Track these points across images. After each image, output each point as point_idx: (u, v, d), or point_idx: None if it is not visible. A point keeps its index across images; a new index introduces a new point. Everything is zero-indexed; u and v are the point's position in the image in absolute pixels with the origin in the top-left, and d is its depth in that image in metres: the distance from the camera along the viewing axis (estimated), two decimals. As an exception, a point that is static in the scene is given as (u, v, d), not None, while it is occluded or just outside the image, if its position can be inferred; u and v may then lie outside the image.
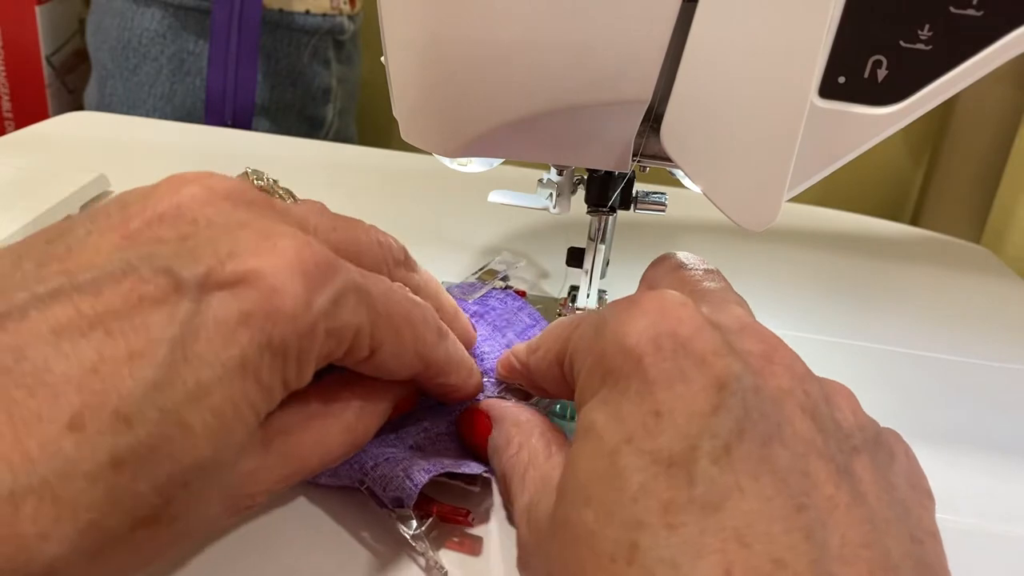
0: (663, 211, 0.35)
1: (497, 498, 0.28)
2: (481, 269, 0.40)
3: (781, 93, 0.25)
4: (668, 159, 0.28)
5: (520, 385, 0.30)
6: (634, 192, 0.35)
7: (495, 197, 0.37)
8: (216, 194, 0.22)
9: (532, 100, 0.26)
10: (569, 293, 0.39)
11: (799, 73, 0.25)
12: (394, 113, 0.30)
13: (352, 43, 0.91)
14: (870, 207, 0.82)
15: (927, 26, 0.25)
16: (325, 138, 0.90)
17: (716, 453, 0.19)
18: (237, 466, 0.21)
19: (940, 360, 0.42)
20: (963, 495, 0.31)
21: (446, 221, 0.51)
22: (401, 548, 0.26)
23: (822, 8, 0.24)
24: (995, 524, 0.22)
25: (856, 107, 0.27)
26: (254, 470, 0.22)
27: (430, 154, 0.30)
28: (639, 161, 0.30)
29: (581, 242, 0.36)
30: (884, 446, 0.22)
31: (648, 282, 0.29)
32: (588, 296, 0.37)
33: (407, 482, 0.25)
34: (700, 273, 0.27)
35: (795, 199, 0.29)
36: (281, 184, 0.27)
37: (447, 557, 0.26)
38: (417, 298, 0.27)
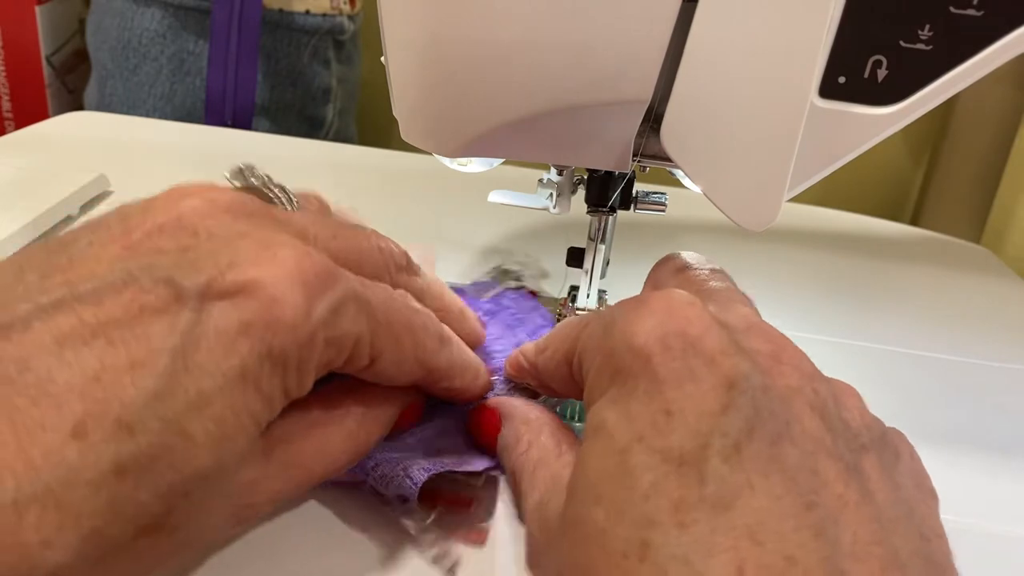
0: (663, 211, 0.35)
1: (503, 490, 0.28)
2: (495, 268, 0.40)
3: (781, 93, 0.25)
4: (668, 159, 0.28)
5: (528, 384, 0.30)
6: (634, 192, 0.35)
7: (495, 197, 0.37)
8: (216, 206, 0.23)
9: (532, 100, 0.26)
10: (569, 293, 0.39)
11: (799, 73, 0.25)
12: (394, 113, 0.30)
13: (352, 43, 0.91)
14: (870, 207, 0.82)
15: (927, 26, 0.25)
16: (325, 138, 0.90)
17: (726, 452, 0.19)
18: (239, 475, 0.21)
19: (940, 360, 0.42)
20: (963, 495, 0.31)
21: (446, 221, 0.51)
22: (407, 543, 0.26)
23: (822, 8, 0.24)
24: (995, 524, 0.22)
25: (856, 107, 0.27)
26: (256, 479, 0.22)
27: (430, 154, 0.30)
28: (639, 161, 0.30)
29: (581, 242, 0.36)
30: (890, 445, 0.23)
31: (654, 282, 0.29)
32: (588, 296, 0.37)
33: (407, 481, 0.25)
34: (706, 272, 0.27)
35: (795, 199, 0.29)
36: (275, 180, 0.27)
37: (453, 549, 0.26)
38: (418, 305, 0.27)
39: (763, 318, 0.24)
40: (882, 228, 0.60)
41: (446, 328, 0.28)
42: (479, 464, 0.27)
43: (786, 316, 0.44)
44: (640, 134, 0.28)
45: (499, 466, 0.28)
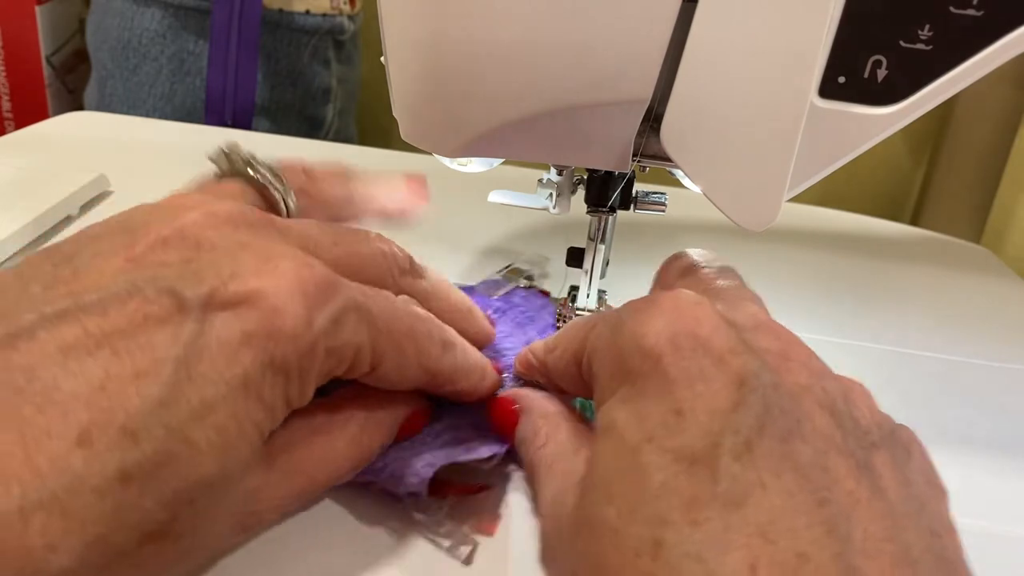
0: (663, 211, 0.35)
1: (518, 483, 0.29)
2: (506, 267, 0.40)
3: (781, 93, 0.25)
4: (668, 159, 0.28)
5: (537, 382, 0.30)
6: (634, 192, 0.35)
7: (495, 197, 0.37)
8: (218, 218, 0.23)
9: (532, 100, 0.26)
10: (569, 293, 0.39)
11: (799, 73, 0.25)
12: (394, 113, 0.30)
13: (352, 43, 0.91)
14: (870, 207, 0.82)
15: (927, 26, 0.25)
16: (325, 138, 0.90)
17: (738, 450, 0.19)
18: (242, 483, 0.22)
19: (940, 360, 0.42)
20: (963, 495, 0.31)
21: (446, 221, 0.51)
22: (421, 535, 0.26)
23: (822, 8, 0.24)
24: (995, 524, 0.23)
25: (856, 107, 0.27)
26: (259, 487, 0.23)
27: (430, 154, 0.30)
28: (639, 161, 0.30)
29: (581, 242, 0.36)
30: (900, 442, 0.23)
31: (662, 280, 0.29)
32: (588, 296, 0.37)
33: (414, 478, 0.26)
34: (714, 271, 0.27)
35: (795, 199, 0.29)
36: (258, 159, 0.27)
37: (467, 539, 0.26)
38: (421, 311, 0.27)
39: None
40: (882, 228, 0.60)
41: (450, 331, 0.28)
42: (486, 450, 0.27)
43: (786, 316, 0.44)
44: (640, 134, 0.28)
45: (508, 452, 0.28)
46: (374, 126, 1.05)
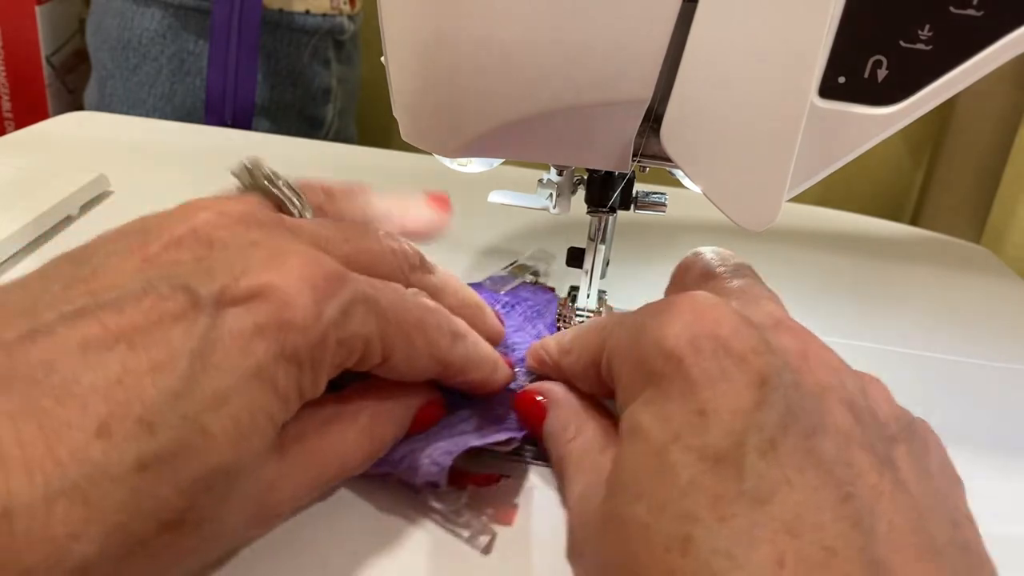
0: (663, 211, 0.35)
1: (539, 477, 0.29)
2: (512, 264, 0.40)
3: (781, 93, 0.25)
4: (668, 159, 0.28)
5: (550, 377, 0.30)
6: (634, 192, 0.35)
7: (495, 197, 0.37)
8: (229, 217, 0.24)
9: (532, 100, 0.26)
10: (569, 293, 0.39)
11: (799, 73, 0.25)
12: (394, 113, 0.30)
13: (352, 43, 0.91)
14: (870, 207, 0.82)
15: (927, 26, 0.25)
16: (325, 138, 0.90)
17: (762, 448, 0.20)
18: (257, 474, 0.22)
19: (940, 360, 0.42)
20: (963, 495, 0.31)
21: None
22: (441, 524, 0.26)
23: (822, 8, 0.24)
24: (995, 524, 0.23)
25: (856, 107, 0.27)
26: (273, 479, 0.23)
27: (430, 154, 0.30)
28: (639, 161, 0.30)
29: (581, 242, 0.36)
30: (918, 435, 0.23)
31: (678, 281, 0.29)
32: (588, 296, 0.37)
33: (433, 467, 0.26)
34: (730, 269, 0.28)
35: (795, 199, 0.29)
36: (280, 176, 0.28)
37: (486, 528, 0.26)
38: (430, 303, 0.27)
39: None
40: (882, 228, 0.60)
41: (461, 323, 0.28)
42: (503, 435, 0.28)
43: (786, 316, 0.44)
44: (640, 134, 0.28)
45: (524, 437, 0.28)
46: (374, 126, 1.05)
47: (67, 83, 1.02)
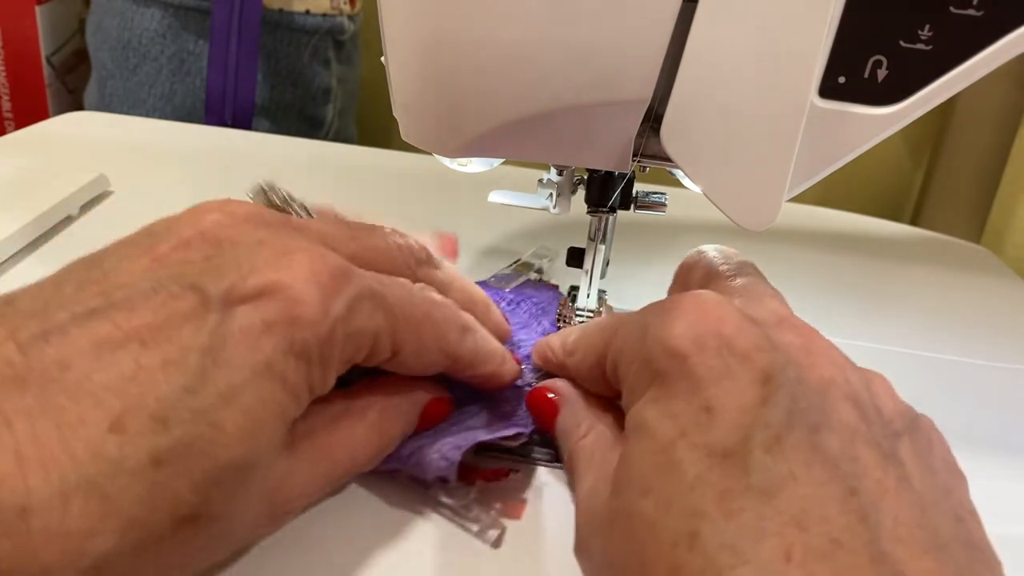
0: (663, 211, 0.35)
1: (540, 468, 0.29)
2: (516, 262, 0.41)
3: (781, 93, 0.25)
4: (668, 159, 0.28)
5: (556, 374, 0.31)
6: (634, 192, 0.35)
7: (495, 197, 0.37)
8: (236, 218, 0.24)
9: (532, 100, 0.26)
10: (569, 293, 0.39)
11: (799, 73, 0.25)
12: (394, 113, 0.30)
13: (352, 43, 0.91)
14: (870, 207, 0.82)
15: (927, 26, 0.25)
16: (325, 138, 0.90)
17: (768, 443, 0.20)
18: (268, 470, 0.22)
19: (940, 360, 0.42)
20: (963, 495, 0.31)
21: (446, 221, 0.51)
22: (450, 519, 0.27)
23: (822, 8, 0.24)
24: (995, 524, 0.23)
25: (856, 107, 0.27)
26: (284, 475, 0.23)
27: (430, 154, 0.30)
28: (639, 161, 0.30)
29: (581, 242, 0.36)
30: (922, 431, 0.23)
31: (682, 280, 0.29)
32: (588, 296, 0.37)
33: (443, 462, 0.26)
34: (733, 267, 0.28)
35: (795, 199, 0.29)
36: (296, 197, 0.28)
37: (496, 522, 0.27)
38: (438, 297, 0.28)
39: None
40: (882, 228, 0.60)
41: (469, 317, 0.29)
42: (511, 430, 0.28)
43: (786, 316, 0.44)
44: (640, 134, 0.28)
45: (533, 431, 0.29)
46: (374, 126, 1.05)
47: (67, 83, 1.02)
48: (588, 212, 0.35)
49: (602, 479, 0.24)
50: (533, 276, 0.40)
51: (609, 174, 0.34)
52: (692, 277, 0.29)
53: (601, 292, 0.38)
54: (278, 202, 0.28)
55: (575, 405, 0.28)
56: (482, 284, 0.37)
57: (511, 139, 0.28)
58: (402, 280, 0.27)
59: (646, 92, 0.25)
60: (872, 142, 0.27)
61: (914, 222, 0.86)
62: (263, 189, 0.28)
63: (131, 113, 0.82)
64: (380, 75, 0.30)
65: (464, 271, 0.44)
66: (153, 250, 0.23)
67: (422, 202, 0.55)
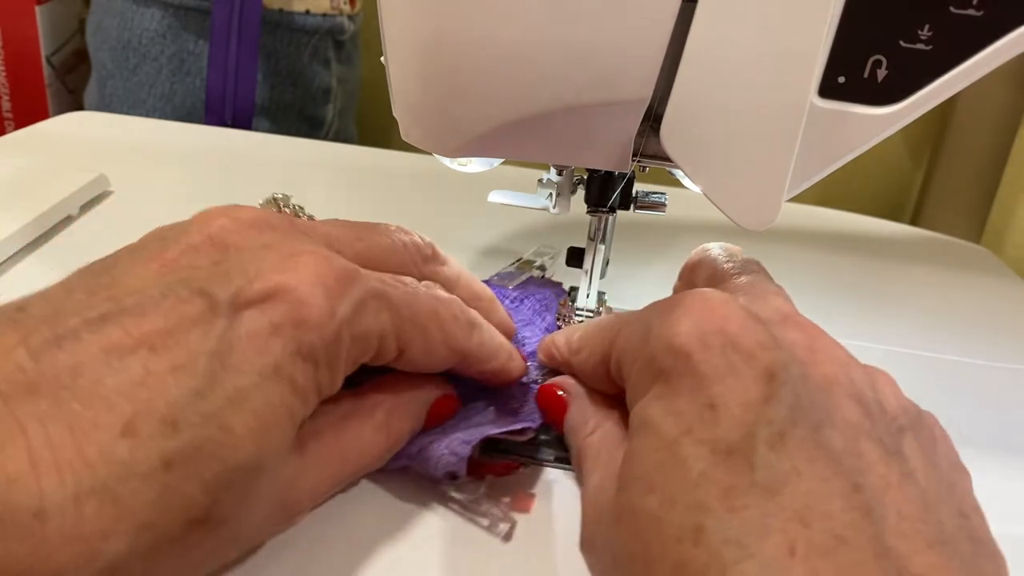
0: (663, 211, 0.35)
1: (557, 470, 0.29)
2: (517, 261, 0.41)
3: (781, 93, 0.25)
4: (668, 159, 0.28)
5: (561, 371, 0.31)
6: (634, 192, 0.35)
7: (495, 197, 0.37)
8: (243, 223, 0.25)
9: (532, 100, 0.26)
10: (569, 293, 0.39)
11: (799, 73, 0.25)
12: (394, 113, 0.30)
13: (352, 43, 0.91)
14: (870, 207, 0.82)
15: (927, 26, 0.25)
16: (325, 138, 0.90)
17: (772, 440, 0.20)
18: (278, 471, 0.23)
19: (940, 360, 0.42)
20: (963, 495, 0.31)
21: (446, 221, 0.51)
22: (460, 513, 0.27)
23: (822, 8, 0.24)
24: (995, 524, 0.23)
25: (856, 107, 0.27)
26: (293, 476, 0.24)
27: (430, 154, 0.30)
28: (639, 161, 0.30)
29: (581, 242, 0.36)
30: (926, 428, 0.23)
31: (686, 278, 0.30)
32: (588, 296, 0.37)
33: (452, 457, 0.26)
34: (737, 265, 0.28)
35: (795, 199, 0.29)
36: (300, 206, 0.29)
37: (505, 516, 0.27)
38: (444, 294, 0.28)
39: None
40: (882, 228, 0.60)
41: (475, 313, 0.29)
42: (519, 424, 0.28)
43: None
44: (640, 134, 0.28)
45: (540, 425, 0.29)
46: (374, 126, 1.05)
47: (67, 83, 1.02)
48: (588, 212, 0.35)
49: (608, 476, 0.24)
50: (536, 274, 0.40)
51: (609, 174, 0.34)
52: (697, 275, 0.29)
53: (601, 292, 0.38)
54: (288, 214, 0.29)
55: (583, 402, 0.28)
56: (485, 282, 0.37)
57: (511, 139, 0.28)
58: (408, 279, 0.27)
59: (646, 92, 0.25)
60: (872, 142, 0.27)
61: (914, 222, 0.86)
62: (275, 200, 0.29)
63: (131, 113, 0.82)
64: (380, 75, 0.30)
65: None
66: (162, 255, 0.23)
67: (422, 202, 0.55)
